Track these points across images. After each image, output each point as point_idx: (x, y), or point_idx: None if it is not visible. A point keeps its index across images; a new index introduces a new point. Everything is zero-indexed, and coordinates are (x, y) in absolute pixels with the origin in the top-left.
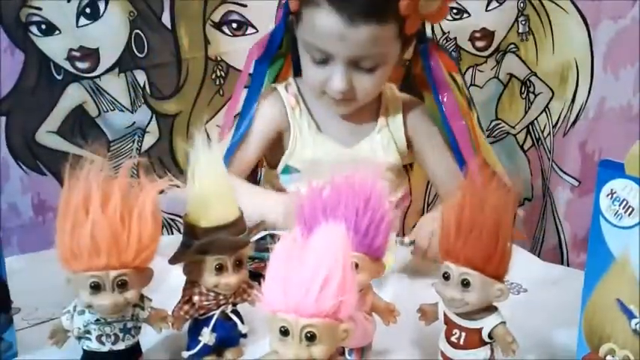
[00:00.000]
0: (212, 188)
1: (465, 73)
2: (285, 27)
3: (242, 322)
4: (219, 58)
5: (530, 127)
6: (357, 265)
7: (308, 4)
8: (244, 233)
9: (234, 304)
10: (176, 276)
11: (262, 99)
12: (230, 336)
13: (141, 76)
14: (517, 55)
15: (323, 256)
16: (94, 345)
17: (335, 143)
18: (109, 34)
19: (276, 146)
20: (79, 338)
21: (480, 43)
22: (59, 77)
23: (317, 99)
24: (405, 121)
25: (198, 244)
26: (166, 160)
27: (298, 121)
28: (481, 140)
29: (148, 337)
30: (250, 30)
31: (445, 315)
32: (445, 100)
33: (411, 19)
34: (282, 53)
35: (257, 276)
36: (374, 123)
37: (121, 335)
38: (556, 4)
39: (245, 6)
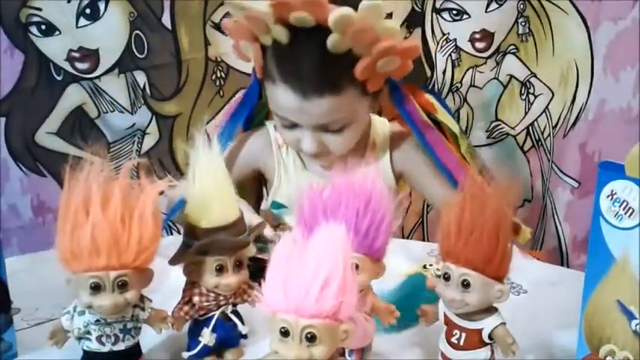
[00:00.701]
0: (212, 189)
1: (464, 74)
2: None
3: (242, 322)
4: (219, 59)
5: (530, 128)
6: (357, 266)
7: (267, 79)
8: (244, 234)
9: (235, 305)
10: (176, 277)
11: (251, 134)
12: (230, 337)
13: (141, 77)
14: (517, 57)
15: (323, 257)
16: (94, 345)
17: (320, 180)
18: (109, 34)
19: (256, 181)
20: (79, 339)
21: (479, 44)
22: (59, 78)
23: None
24: (391, 157)
25: (198, 245)
26: (166, 162)
27: (284, 158)
28: (473, 169)
29: (148, 338)
30: None
31: (445, 316)
32: (428, 139)
33: (372, 80)
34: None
35: (258, 272)
36: (361, 159)
37: (121, 336)
38: (556, 5)
39: None
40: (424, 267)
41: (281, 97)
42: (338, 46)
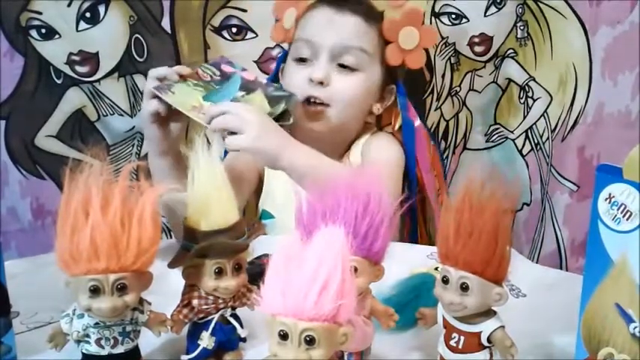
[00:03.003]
0: (211, 192)
1: (463, 78)
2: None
3: (241, 325)
4: None
5: (529, 131)
6: (356, 269)
7: (305, 14)
8: (243, 237)
9: (234, 308)
10: (175, 279)
11: None
12: (229, 340)
13: (141, 81)
14: (516, 60)
15: (322, 260)
16: (93, 348)
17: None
18: (109, 38)
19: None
20: (78, 342)
21: (478, 48)
22: (59, 81)
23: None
24: (362, 155)
25: (197, 248)
26: None
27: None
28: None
29: (148, 341)
30: (250, 35)
31: (444, 319)
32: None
33: (392, 49)
34: None
35: (257, 275)
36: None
37: (120, 339)
38: (555, 9)
39: (245, 11)
40: (436, 269)
41: (315, 14)
42: None
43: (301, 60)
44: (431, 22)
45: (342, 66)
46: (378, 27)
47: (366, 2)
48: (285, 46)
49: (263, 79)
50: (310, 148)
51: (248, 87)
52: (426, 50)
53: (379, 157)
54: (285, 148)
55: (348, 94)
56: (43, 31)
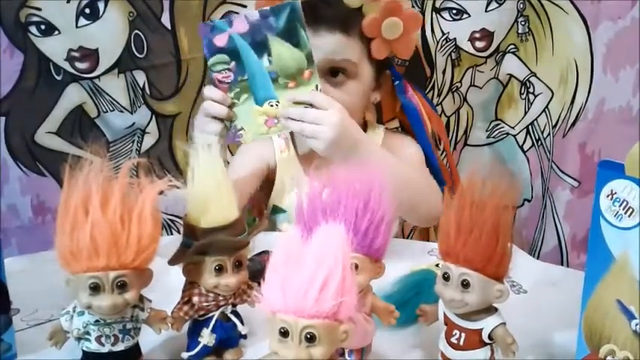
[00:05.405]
0: (212, 189)
1: (464, 73)
2: None
3: (242, 323)
4: None
5: (530, 127)
6: (356, 266)
7: None
8: (244, 234)
9: (234, 305)
10: (176, 277)
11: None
12: (230, 337)
13: (140, 77)
14: (517, 56)
15: (323, 257)
16: (93, 346)
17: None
18: (109, 34)
19: (267, 184)
20: (79, 339)
21: (479, 44)
22: (59, 78)
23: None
24: None
25: (197, 245)
26: (166, 161)
27: (285, 163)
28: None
29: (148, 338)
30: None
31: (445, 316)
32: (426, 129)
33: (377, 44)
34: None
35: (258, 272)
36: None
37: (120, 336)
38: (556, 4)
39: (245, 6)
40: (436, 266)
41: None
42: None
43: None
44: (432, 18)
45: (334, 80)
46: (359, 31)
47: (339, 8)
48: None
49: (246, 14)
50: (380, 148)
51: (259, 44)
52: (424, 42)
53: (405, 157)
54: (357, 151)
55: (343, 104)
56: (43, 27)
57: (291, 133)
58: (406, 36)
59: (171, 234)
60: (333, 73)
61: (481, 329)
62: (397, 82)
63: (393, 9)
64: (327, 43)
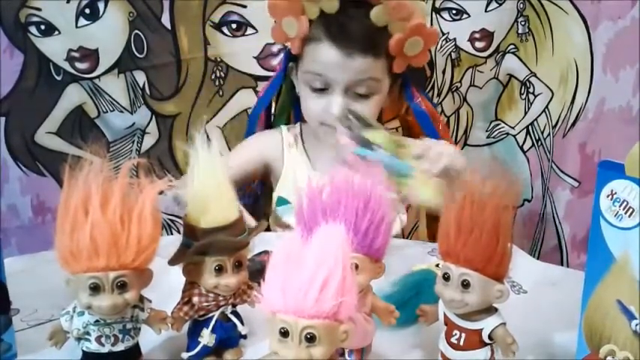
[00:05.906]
0: (212, 189)
1: (464, 73)
2: (285, 75)
3: (242, 323)
4: (218, 59)
5: (530, 127)
6: (356, 266)
7: (310, 42)
8: (244, 234)
9: (234, 305)
10: (176, 277)
11: (265, 132)
12: (230, 337)
13: (140, 77)
14: (517, 56)
15: (323, 258)
16: (93, 346)
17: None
18: (109, 34)
19: (257, 177)
20: (79, 339)
21: (479, 44)
22: (58, 78)
23: (315, 130)
24: None
25: (197, 245)
26: (166, 161)
27: (293, 157)
28: None
29: (148, 338)
30: (250, 30)
31: (445, 316)
32: (436, 127)
33: (398, 60)
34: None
35: (258, 272)
36: None
37: (120, 336)
38: (556, 4)
39: (245, 7)
40: (437, 266)
41: (325, 53)
42: (380, 17)
43: (315, 90)
44: (432, 18)
45: (357, 94)
46: (386, 51)
47: (366, 27)
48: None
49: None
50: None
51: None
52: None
53: None
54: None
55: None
56: (43, 27)
57: (302, 130)
58: (425, 51)
59: (172, 234)
60: (358, 90)
61: (481, 329)
62: (407, 89)
63: (418, 28)
64: (359, 65)
